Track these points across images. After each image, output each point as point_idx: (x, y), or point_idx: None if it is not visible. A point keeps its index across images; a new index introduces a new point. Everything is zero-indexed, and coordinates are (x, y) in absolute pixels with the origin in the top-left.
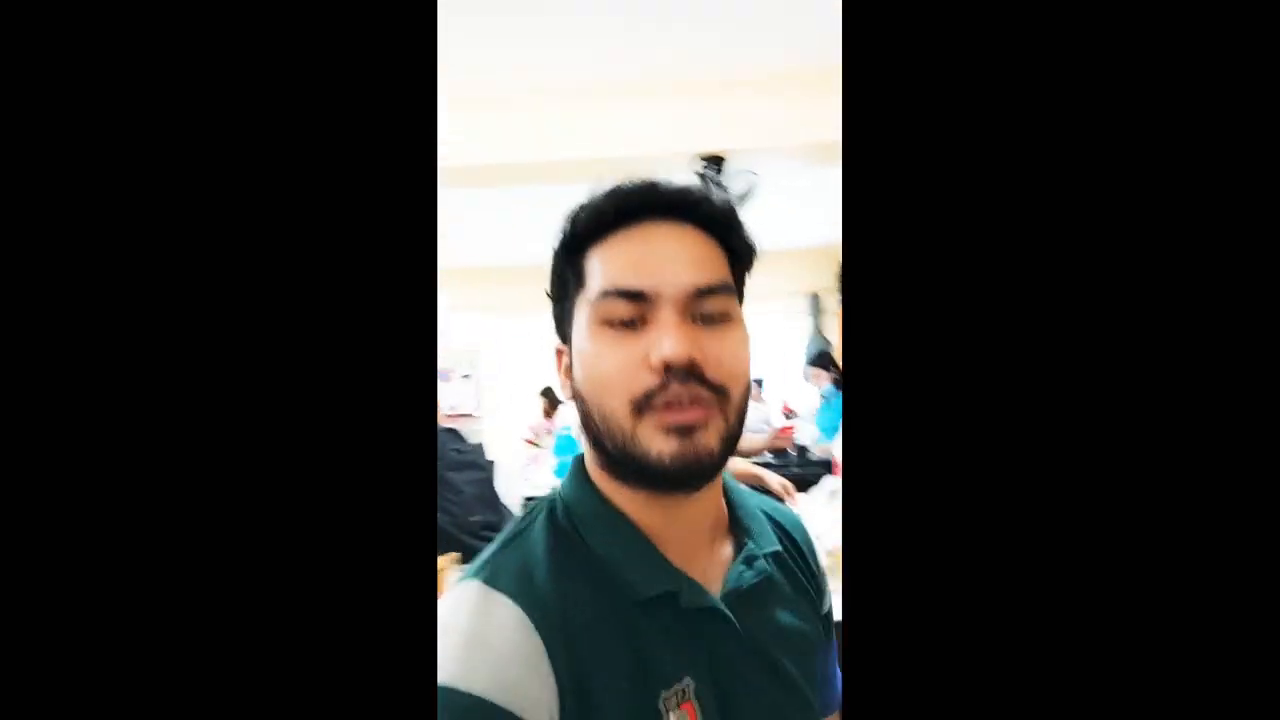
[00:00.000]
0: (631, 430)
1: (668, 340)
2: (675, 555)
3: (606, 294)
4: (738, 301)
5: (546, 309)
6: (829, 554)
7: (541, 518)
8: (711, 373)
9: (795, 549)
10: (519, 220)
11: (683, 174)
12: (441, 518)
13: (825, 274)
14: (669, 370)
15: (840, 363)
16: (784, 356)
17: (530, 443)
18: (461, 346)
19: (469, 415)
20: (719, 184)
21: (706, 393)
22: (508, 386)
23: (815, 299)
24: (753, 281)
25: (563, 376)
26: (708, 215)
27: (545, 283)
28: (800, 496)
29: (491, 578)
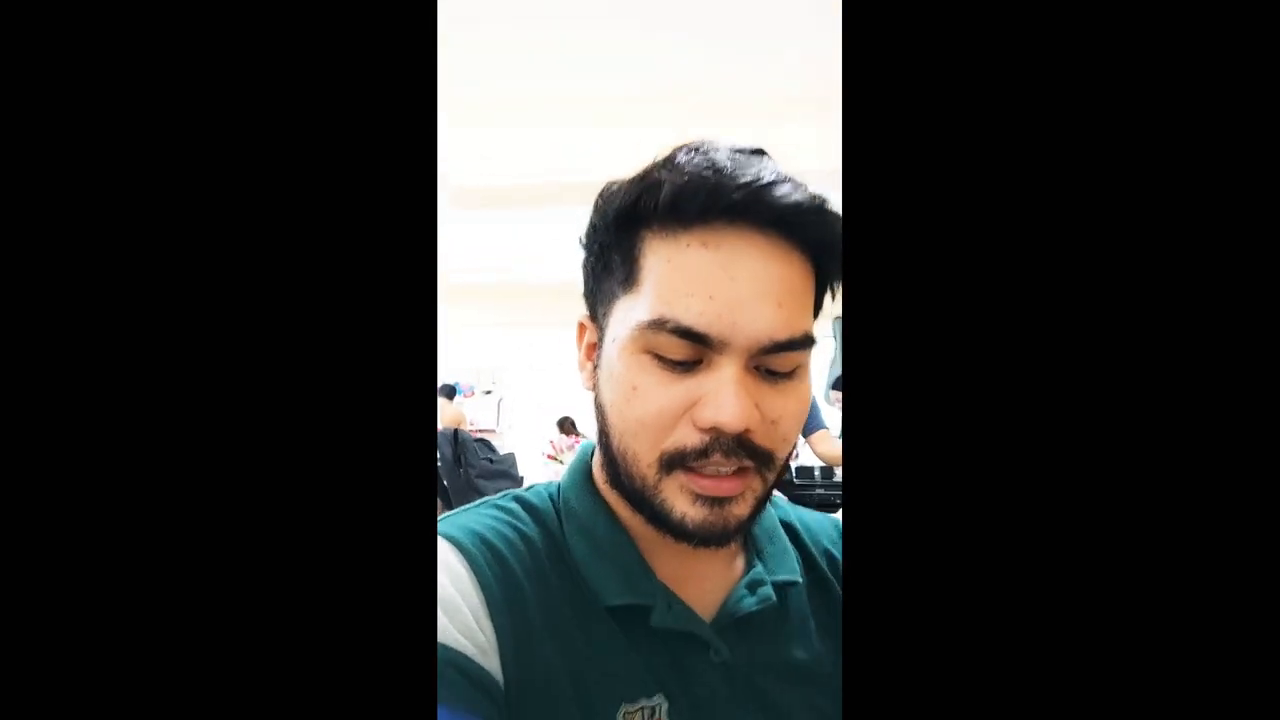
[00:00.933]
0: (655, 483)
1: (727, 405)
2: (668, 569)
3: (663, 325)
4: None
5: (567, 326)
6: None
7: (520, 494)
8: (762, 439)
9: (832, 569)
10: (540, 239)
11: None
12: None
13: None
14: (715, 433)
15: None
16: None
17: (551, 458)
18: (483, 364)
19: (490, 431)
20: None
21: (750, 461)
22: (528, 403)
23: (840, 323)
24: None
25: (584, 357)
26: (818, 240)
27: (564, 301)
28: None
29: (441, 529)
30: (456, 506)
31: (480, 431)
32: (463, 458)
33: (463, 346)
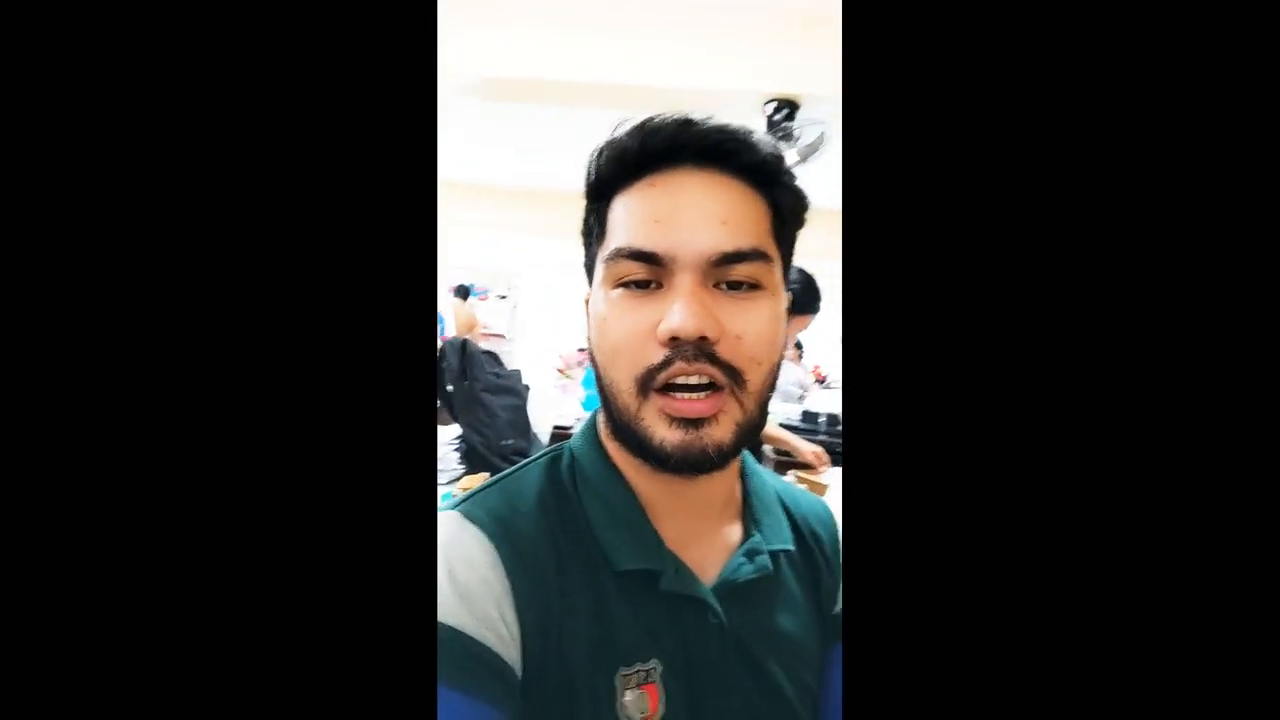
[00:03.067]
0: (636, 409)
1: (677, 311)
2: (673, 533)
3: (619, 253)
4: (780, 267)
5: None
6: None
7: (543, 463)
8: (726, 351)
9: (817, 545)
10: (566, 142)
11: (746, 116)
12: (474, 438)
13: None
14: (676, 344)
15: None
16: (825, 317)
17: (560, 372)
18: (502, 267)
19: (499, 335)
20: (788, 133)
21: (719, 374)
22: (544, 312)
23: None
24: (806, 239)
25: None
26: (749, 164)
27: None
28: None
29: (470, 510)
30: (459, 419)
31: (490, 336)
32: (468, 370)
33: (477, 247)
